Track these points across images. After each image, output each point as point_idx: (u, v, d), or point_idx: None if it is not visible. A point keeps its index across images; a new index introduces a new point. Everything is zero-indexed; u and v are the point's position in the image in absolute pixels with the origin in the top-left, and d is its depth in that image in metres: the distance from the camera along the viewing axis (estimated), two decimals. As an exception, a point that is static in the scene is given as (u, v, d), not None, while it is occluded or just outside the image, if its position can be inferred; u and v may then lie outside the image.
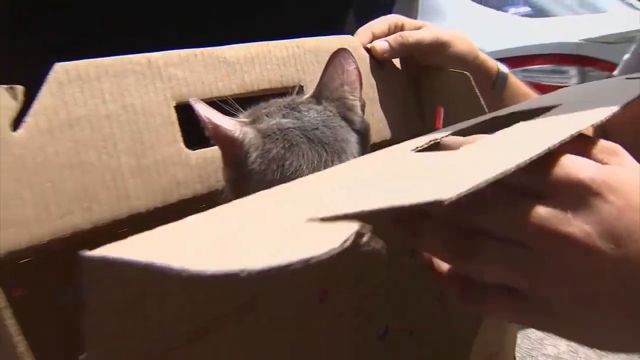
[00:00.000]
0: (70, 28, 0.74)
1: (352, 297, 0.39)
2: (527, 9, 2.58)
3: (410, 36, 0.62)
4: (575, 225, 0.27)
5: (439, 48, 0.63)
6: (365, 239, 0.20)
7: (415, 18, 0.95)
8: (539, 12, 2.56)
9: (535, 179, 0.28)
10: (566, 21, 2.52)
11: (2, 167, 0.38)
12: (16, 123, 0.39)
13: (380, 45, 0.61)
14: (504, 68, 0.71)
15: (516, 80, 0.74)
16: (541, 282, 0.28)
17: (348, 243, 0.18)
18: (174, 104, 0.46)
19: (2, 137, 0.38)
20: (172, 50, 0.46)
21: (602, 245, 0.26)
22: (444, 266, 0.34)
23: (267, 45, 0.52)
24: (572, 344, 2.52)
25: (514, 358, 0.56)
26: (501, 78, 0.70)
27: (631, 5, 3.19)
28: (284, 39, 0.54)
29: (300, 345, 0.36)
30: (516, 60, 2.15)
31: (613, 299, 0.27)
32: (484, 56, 0.69)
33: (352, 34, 0.63)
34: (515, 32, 2.30)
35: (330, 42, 0.59)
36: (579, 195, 0.27)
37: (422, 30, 0.63)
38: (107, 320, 0.24)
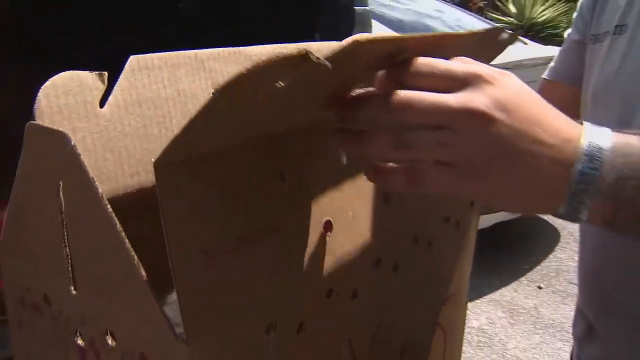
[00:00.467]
0: (70, 29, 0.82)
1: (351, 234, 0.51)
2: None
3: None
4: (478, 101, 0.38)
5: None
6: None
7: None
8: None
9: (446, 79, 0.39)
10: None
11: (94, 135, 0.47)
12: (102, 101, 0.49)
13: None
14: None
15: None
16: (465, 151, 0.38)
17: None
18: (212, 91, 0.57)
19: (94, 111, 0.48)
20: (215, 48, 0.57)
21: (499, 115, 0.38)
22: (387, 167, 0.42)
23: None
24: (491, 316, 2.77)
25: (466, 302, 0.71)
26: None
27: (521, 40, 3.69)
28: (283, 40, 0.67)
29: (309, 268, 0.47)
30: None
31: (514, 157, 0.39)
32: None
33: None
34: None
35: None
36: (478, 84, 0.39)
37: None
38: (179, 220, 0.34)
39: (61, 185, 0.38)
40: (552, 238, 3.72)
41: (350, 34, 1.06)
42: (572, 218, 0.41)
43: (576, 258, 0.84)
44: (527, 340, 2.66)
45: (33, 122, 0.38)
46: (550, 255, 3.49)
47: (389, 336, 0.57)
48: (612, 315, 0.76)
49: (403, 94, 0.38)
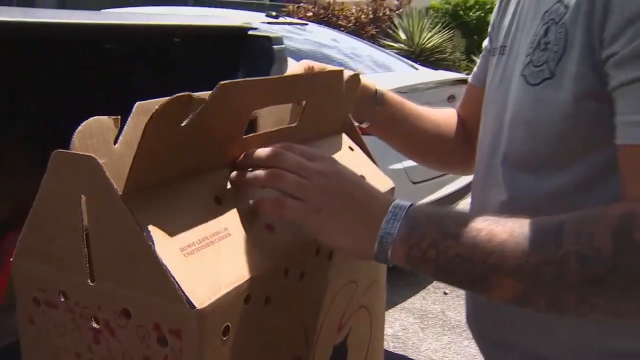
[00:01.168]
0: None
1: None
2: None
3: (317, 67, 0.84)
4: (317, 165, 0.58)
5: None
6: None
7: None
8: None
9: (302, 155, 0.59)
10: (369, 77, 3.06)
11: (110, 166, 0.56)
12: (115, 139, 0.59)
13: None
14: (381, 87, 0.92)
15: (401, 100, 0.93)
16: (312, 194, 0.57)
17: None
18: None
19: (110, 148, 0.57)
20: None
21: (332, 177, 0.57)
22: (265, 202, 0.59)
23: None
24: (403, 323, 2.96)
25: (384, 286, 0.86)
26: (379, 95, 0.91)
27: (412, 66, 4.02)
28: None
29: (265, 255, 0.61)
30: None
31: (342, 206, 0.57)
32: (364, 79, 0.89)
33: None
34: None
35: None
36: (326, 160, 0.59)
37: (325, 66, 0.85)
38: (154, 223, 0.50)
39: (83, 198, 0.49)
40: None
41: (269, 70, 1.21)
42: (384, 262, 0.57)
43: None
44: (437, 342, 2.88)
45: (60, 150, 0.49)
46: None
47: (331, 316, 0.71)
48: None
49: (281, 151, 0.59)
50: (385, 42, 9.09)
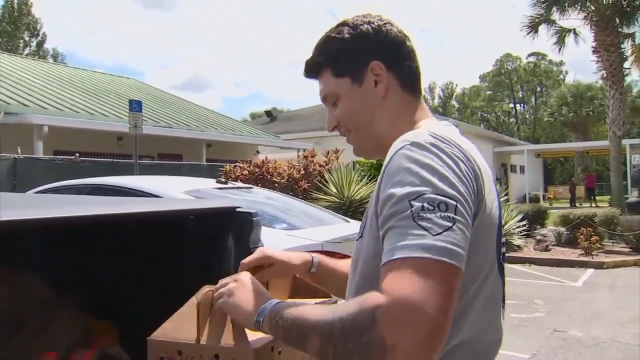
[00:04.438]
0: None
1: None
2: (285, 226, 3.75)
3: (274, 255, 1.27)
4: (228, 282, 1.10)
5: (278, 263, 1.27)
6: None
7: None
8: (293, 227, 3.75)
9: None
10: (312, 231, 3.71)
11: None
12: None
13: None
14: (316, 256, 1.31)
15: (326, 260, 1.30)
16: (225, 292, 1.08)
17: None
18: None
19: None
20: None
21: (237, 287, 1.08)
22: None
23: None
24: None
25: None
26: (314, 263, 1.29)
27: (345, 219, 4.70)
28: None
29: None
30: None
31: (238, 299, 1.06)
32: (300, 254, 1.31)
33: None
34: (281, 241, 3.37)
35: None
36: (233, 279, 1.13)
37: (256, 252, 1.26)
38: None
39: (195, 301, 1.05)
40: None
41: (250, 235, 1.80)
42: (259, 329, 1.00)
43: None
44: None
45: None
46: None
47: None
48: None
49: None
50: (317, 195, 9.91)
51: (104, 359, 1.55)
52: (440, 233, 0.83)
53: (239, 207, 1.75)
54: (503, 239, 1.08)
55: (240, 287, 1.06)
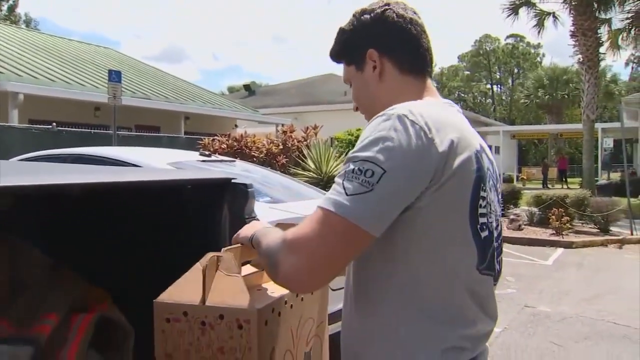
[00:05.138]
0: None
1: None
2: (268, 199, 3.81)
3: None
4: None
5: None
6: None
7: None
8: (276, 201, 3.82)
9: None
10: (293, 205, 3.78)
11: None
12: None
13: None
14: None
15: None
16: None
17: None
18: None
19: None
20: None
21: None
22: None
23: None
24: None
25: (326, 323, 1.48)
26: None
27: (324, 193, 4.76)
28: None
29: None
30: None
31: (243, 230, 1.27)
32: None
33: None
34: (264, 213, 3.43)
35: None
36: None
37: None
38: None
39: (201, 267, 1.12)
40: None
41: (245, 206, 1.86)
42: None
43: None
44: None
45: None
46: None
47: (303, 333, 1.33)
48: None
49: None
50: (295, 170, 9.98)
51: (104, 322, 1.60)
52: (354, 195, 0.97)
53: (234, 179, 1.80)
54: (497, 218, 1.18)
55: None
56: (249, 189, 1.79)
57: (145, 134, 13.19)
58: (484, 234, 1.11)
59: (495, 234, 1.16)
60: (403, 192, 0.99)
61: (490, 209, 1.14)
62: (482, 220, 1.10)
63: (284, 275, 1.01)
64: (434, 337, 1.07)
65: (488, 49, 62.42)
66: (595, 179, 19.10)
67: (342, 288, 1.25)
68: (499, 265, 1.20)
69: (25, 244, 1.70)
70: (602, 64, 21.93)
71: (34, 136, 10.31)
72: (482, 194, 1.09)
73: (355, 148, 1.03)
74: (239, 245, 1.23)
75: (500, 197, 1.22)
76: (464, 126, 1.11)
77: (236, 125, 17.64)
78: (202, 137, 11.57)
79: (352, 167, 1.00)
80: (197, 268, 1.17)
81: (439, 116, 1.06)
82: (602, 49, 17.64)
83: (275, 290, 1.23)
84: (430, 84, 1.25)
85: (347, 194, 0.97)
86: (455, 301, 1.09)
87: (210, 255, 1.18)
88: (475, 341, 1.13)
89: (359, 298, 1.15)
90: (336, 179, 1.02)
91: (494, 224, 1.15)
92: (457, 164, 1.03)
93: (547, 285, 7.11)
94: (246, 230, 1.24)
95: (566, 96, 36.47)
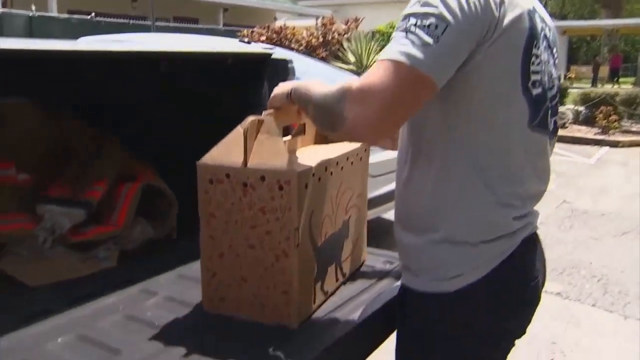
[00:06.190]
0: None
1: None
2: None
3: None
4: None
5: None
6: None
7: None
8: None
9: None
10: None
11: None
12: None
13: None
14: None
15: None
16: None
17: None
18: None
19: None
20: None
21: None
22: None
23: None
24: None
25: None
26: None
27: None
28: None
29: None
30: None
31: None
32: None
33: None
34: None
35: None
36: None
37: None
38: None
39: (242, 130, 1.13)
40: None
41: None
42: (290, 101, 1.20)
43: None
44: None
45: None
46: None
47: (341, 202, 1.35)
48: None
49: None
50: (335, 63, 9.84)
51: (150, 189, 1.67)
52: (421, 46, 0.97)
53: (274, 53, 1.78)
54: (551, 79, 1.16)
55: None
56: (290, 65, 1.77)
57: (183, 25, 13.03)
58: (536, 91, 1.10)
59: (550, 95, 1.15)
60: (463, 45, 1.00)
61: (544, 68, 1.12)
62: (534, 77, 1.09)
63: (351, 124, 1.00)
64: (482, 193, 1.10)
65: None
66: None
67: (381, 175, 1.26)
68: (554, 124, 1.19)
69: (71, 114, 1.74)
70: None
71: (73, 26, 10.31)
72: (535, 51, 1.08)
73: (412, 3, 1.02)
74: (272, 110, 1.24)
75: (556, 60, 1.19)
76: None
77: (275, 18, 17.23)
78: (240, 29, 11.37)
79: (414, 20, 0.99)
80: (238, 131, 1.18)
81: None
82: None
83: (313, 156, 1.24)
84: None
85: (414, 45, 0.97)
86: (505, 158, 1.11)
87: (251, 118, 1.18)
88: (525, 200, 1.16)
89: (414, 159, 1.17)
90: (395, 34, 1.01)
91: (547, 84, 1.13)
92: (508, 21, 1.02)
93: (588, 182, 7.03)
94: (280, 89, 1.23)
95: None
